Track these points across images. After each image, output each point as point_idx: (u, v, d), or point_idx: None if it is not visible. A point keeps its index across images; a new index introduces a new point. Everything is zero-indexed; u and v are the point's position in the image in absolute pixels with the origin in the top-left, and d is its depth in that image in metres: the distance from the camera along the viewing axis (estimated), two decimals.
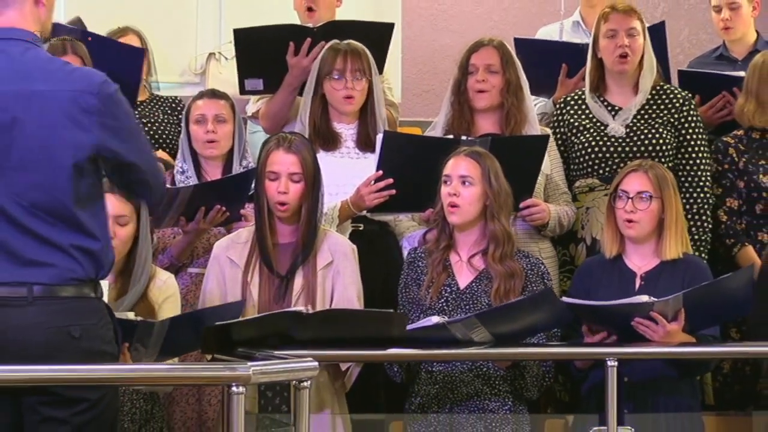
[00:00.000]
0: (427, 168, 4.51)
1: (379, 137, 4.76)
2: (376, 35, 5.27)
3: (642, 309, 4.19)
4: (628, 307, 4.21)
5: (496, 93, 4.97)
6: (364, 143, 4.94)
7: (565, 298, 4.41)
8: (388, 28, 5.38)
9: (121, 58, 3.94)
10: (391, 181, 4.68)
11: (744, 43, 5.85)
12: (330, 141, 4.96)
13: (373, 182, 4.69)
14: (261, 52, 5.29)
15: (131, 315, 4.01)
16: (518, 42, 5.47)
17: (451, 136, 4.90)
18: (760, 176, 5.16)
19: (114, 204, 4.02)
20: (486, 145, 4.63)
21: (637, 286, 4.51)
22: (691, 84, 5.38)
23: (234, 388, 3.16)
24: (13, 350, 3.22)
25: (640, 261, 4.58)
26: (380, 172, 4.69)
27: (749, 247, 5.12)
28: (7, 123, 3.27)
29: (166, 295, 4.34)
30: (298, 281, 4.37)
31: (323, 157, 4.84)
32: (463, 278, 4.45)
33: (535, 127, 5.03)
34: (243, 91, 5.42)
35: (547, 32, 5.84)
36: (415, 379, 4.39)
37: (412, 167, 4.66)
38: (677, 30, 7.06)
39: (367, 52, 5.01)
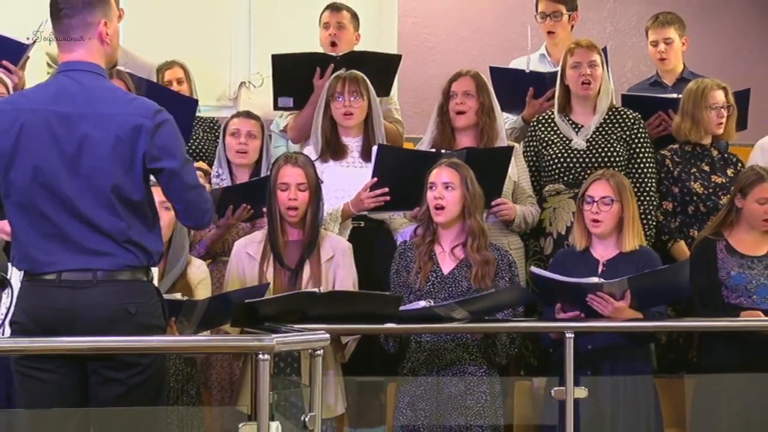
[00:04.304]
0: (414, 174, 4.54)
1: (375, 149, 4.78)
2: (387, 64, 5.34)
3: (593, 288, 4.28)
4: (583, 285, 4.31)
5: (472, 114, 5.00)
6: (368, 155, 4.91)
7: (533, 268, 4.49)
8: (397, 59, 5.47)
9: (176, 106, 3.91)
10: (386, 189, 4.68)
11: (674, 72, 5.87)
12: (339, 152, 4.98)
13: (369, 189, 4.69)
14: (293, 75, 5.31)
15: (178, 295, 4.06)
16: (493, 70, 5.48)
17: (434, 150, 4.91)
18: (692, 183, 5.20)
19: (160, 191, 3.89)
20: (462, 157, 4.66)
21: (600, 271, 4.55)
22: (632, 105, 5.37)
23: (261, 356, 3.17)
24: (80, 324, 3.32)
25: (603, 251, 4.63)
26: (375, 179, 4.69)
27: (681, 242, 5.16)
28: (77, 138, 3.35)
29: (201, 278, 4.40)
30: (306, 272, 4.40)
31: (333, 166, 4.91)
32: (446, 265, 4.46)
33: (505, 143, 5.05)
34: (276, 107, 5.44)
35: (518, 63, 5.77)
36: (406, 348, 4.42)
37: (401, 174, 4.66)
38: (623, 62, 6.96)
39: (365, 78, 5.03)
